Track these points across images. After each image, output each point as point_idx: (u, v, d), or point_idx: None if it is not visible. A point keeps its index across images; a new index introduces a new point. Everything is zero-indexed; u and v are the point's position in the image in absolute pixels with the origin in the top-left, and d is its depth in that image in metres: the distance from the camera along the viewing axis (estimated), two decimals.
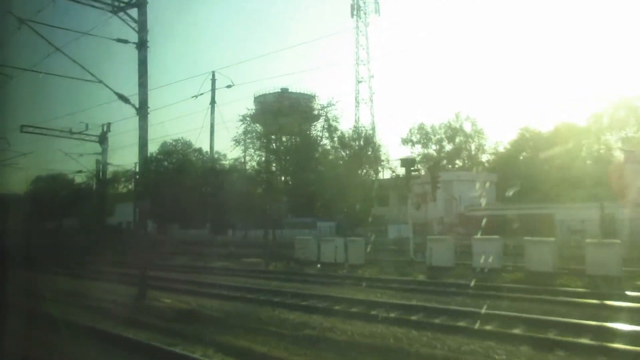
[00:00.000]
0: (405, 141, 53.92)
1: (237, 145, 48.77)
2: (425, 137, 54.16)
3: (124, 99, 10.75)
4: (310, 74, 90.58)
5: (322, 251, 17.66)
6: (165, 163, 57.44)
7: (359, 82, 50.92)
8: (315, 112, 47.84)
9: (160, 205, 54.76)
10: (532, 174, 40.44)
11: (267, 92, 59.60)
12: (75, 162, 31.29)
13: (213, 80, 28.43)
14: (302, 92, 56.54)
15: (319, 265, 17.69)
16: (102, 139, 26.35)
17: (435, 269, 14.96)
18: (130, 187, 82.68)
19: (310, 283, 14.15)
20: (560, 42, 77.03)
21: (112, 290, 13.37)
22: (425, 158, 55.58)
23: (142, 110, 10.87)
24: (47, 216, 64.22)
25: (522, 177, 41.16)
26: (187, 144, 57.14)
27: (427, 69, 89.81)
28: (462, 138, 52.27)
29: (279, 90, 55.87)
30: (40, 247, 33.44)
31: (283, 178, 51.58)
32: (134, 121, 10.83)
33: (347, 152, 52.65)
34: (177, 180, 54.14)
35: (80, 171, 34.75)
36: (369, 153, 50.85)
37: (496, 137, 77.76)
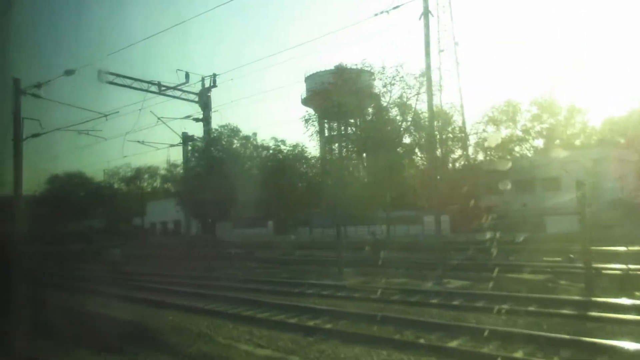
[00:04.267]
0: (489, 121, 44.84)
1: (308, 127, 39.63)
2: (511, 115, 45.18)
3: None
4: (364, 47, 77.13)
5: None
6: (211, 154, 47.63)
7: (441, 51, 41.61)
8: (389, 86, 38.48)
9: (207, 202, 45.19)
10: None
11: (320, 71, 50.71)
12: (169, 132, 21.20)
13: None
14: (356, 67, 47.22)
15: None
16: (204, 96, 16.90)
17: None
18: (155, 184, 72.91)
19: None
20: None
21: None
22: (510, 140, 46.67)
23: None
24: (67, 218, 54.60)
25: None
26: (234, 131, 47.39)
27: (512, 37, 77.07)
28: (558, 116, 43.48)
29: (333, 68, 46.64)
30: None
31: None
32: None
33: (423, 135, 43.87)
34: (226, 172, 44.51)
35: (190, 139, 24.37)
36: (450, 135, 42.16)
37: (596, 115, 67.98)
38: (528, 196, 33.44)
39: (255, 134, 45.88)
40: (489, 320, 8.23)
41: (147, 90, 15.82)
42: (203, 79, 16.64)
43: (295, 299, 11.29)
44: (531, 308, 9.02)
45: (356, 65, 40.44)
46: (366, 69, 40.94)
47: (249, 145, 47.68)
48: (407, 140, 42.75)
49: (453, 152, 41.81)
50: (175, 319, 9.19)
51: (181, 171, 65.52)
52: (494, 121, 45.52)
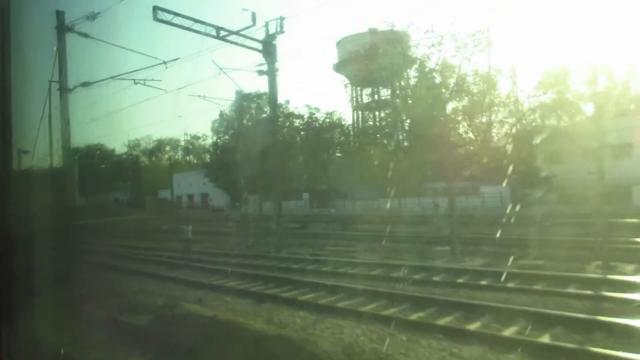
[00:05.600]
0: (540, 85, 41.30)
1: (347, 92, 36.61)
2: (562, 80, 41.52)
3: None
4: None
5: None
6: (237, 123, 44.76)
7: (487, 10, 37.86)
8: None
9: (237, 174, 42.63)
10: None
11: (353, 34, 47.09)
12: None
13: None
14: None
15: None
16: (268, 45, 14.00)
17: None
18: (178, 156, 70.38)
19: None
20: None
21: None
22: (558, 104, 43.23)
23: None
24: (91, 192, 52.62)
25: None
26: (263, 98, 44.44)
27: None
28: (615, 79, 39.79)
29: (367, 31, 43.17)
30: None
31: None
32: None
33: (467, 98, 40.77)
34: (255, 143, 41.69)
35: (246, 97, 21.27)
36: (495, 99, 39.32)
37: None
38: (594, 165, 30.24)
39: (287, 102, 42.97)
40: None
41: (206, 34, 12.81)
42: (267, 24, 13.62)
43: (433, 289, 8.65)
44: None
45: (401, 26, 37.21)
46: (408, 30, 37.58)
47: (280, 113, 44.82)
48: (450, 106, 39.86)
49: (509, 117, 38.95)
50: (307, 323, 6.60)
51: (202, 143, 62.46)
52: (546, 86, 42.10)
